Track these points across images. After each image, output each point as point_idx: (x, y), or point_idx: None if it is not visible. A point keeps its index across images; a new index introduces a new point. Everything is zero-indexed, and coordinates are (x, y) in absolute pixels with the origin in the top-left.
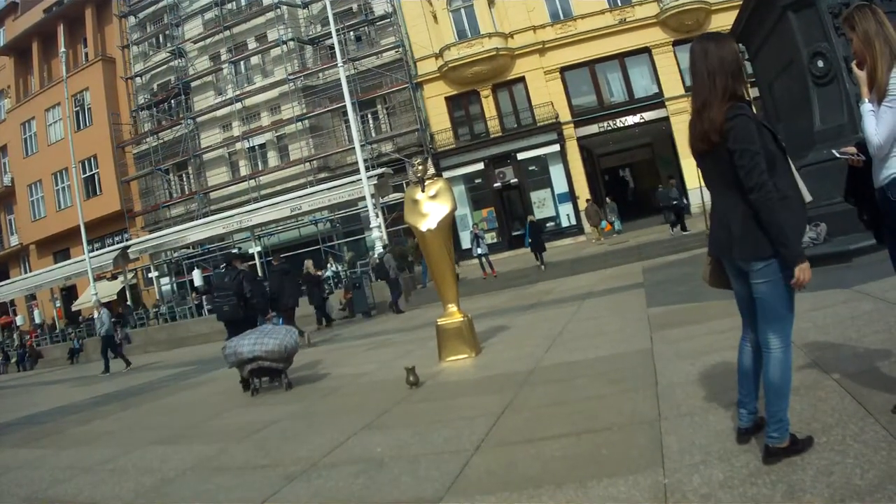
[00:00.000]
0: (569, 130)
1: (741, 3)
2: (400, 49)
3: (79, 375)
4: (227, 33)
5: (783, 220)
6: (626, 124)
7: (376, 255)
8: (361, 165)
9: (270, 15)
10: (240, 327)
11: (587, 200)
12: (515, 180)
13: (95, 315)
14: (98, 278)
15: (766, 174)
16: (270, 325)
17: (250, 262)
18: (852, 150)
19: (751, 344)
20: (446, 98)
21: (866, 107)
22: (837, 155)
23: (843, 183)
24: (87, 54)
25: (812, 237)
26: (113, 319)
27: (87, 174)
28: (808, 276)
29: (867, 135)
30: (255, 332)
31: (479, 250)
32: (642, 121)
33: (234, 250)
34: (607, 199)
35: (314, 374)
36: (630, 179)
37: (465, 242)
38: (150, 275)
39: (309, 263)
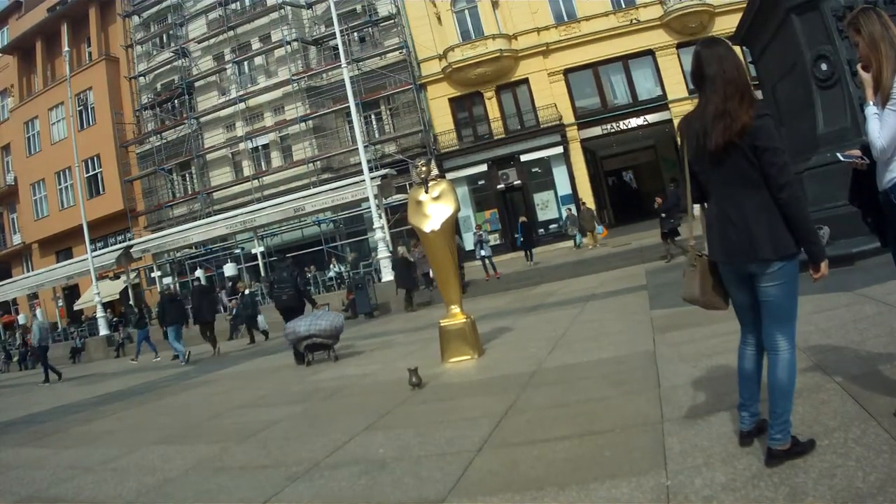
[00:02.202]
0: (572, 132)
1: (745, 5)
2: (404, 50)
3: (80, 375)
4: (230, 33)
5: (810, 216)
6: (630, 126)
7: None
8: (365, 166)
9: (274, 15)
10: (294, 313)
11: (582, 203)
12: (519, 182)
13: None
14: (101, 277)
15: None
16: (322, 311)
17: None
18: (856, 153)
19: (752, 348)
20: (450, 99)
21: (870, 110)
22: (841, 158)
23: (847, 186)
24: (90, 53)
25: None
26: (115, 319)
27: (91, 173)
28: (827, 271)
29: (871, 138)
30: (309, 316)
31: (483, 252)
32: (646, 123)
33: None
34: (574, 210)
35: (316, 375)
36: (633, 180)
37: (469, 244)
38: (152, 274)
39: (403, 249)
